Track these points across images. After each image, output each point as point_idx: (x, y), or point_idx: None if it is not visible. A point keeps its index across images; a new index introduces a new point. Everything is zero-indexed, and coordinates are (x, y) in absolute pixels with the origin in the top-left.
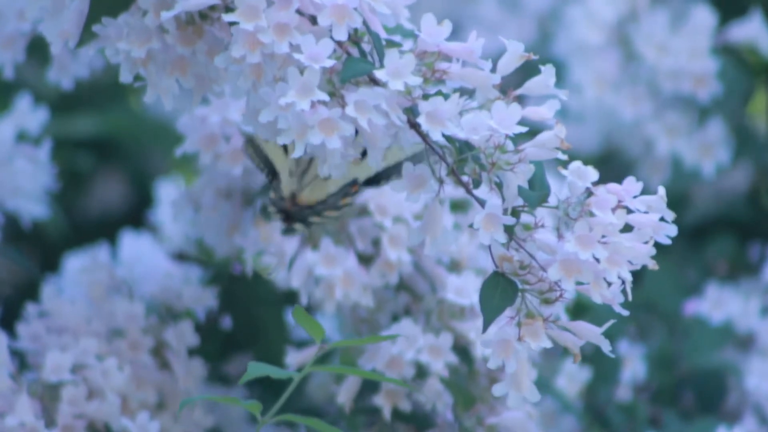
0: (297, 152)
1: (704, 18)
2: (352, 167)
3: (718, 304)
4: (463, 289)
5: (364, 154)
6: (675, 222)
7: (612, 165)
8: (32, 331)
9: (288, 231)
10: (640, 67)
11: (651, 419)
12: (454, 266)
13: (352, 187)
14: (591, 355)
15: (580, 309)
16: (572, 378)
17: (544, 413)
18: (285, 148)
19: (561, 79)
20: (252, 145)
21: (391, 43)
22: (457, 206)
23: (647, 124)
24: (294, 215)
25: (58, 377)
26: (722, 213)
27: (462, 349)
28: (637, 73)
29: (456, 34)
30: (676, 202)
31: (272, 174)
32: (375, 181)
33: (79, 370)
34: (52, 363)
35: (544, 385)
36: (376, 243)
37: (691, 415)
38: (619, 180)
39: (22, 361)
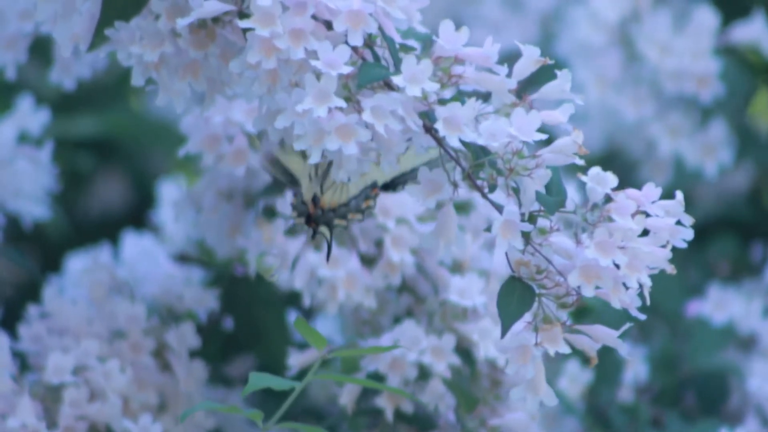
0: (313, 158)
1: (706, 18)
2: (371, 171)
3: (720, 305)
4: (466, 291)
5: None
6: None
7: (614, 165)
8: (33, 333)
9: (313, 235)
10: (643, 68)
11: (653, 420)
12: (457, 267)
13: (373, 190)
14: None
15: (583, 310)
16: (574, 379)
17: (546, 414)
18: (303, 154)
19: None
20: (270, 161)
21: (405, 47)
22: (460, 208)
23: (650, 125)
24: (317, 219)
25: (59, 379)
26: (724, 213)
27: (464, 351)
28: (639, 73)
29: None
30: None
31: (294, 183)
32: (392, 186)
33: (80, 372)
34: (54, 364)
35: None
36: (379, 244)
37: (693, 416)
38: (622, 180)
39: (23, 363)
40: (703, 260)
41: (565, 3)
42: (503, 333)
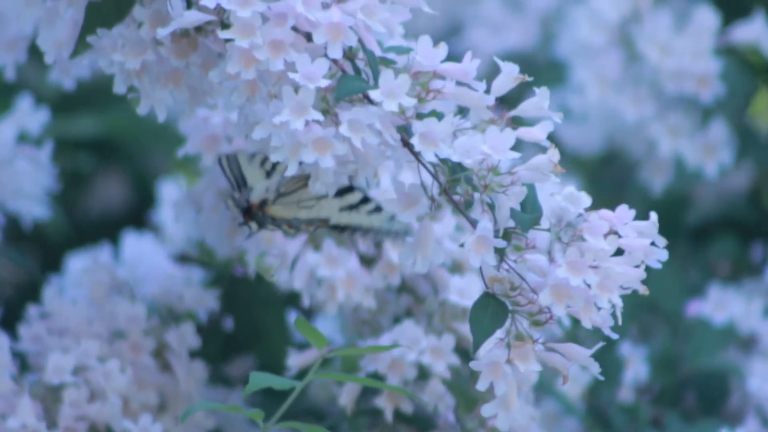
0: (290, 171)
1: (707, 18)
2: (328, 207)
3: (721, 305)
4: (465, 291)
5: (349, 208)
6: (677, 223)
7: (615, 166)
8: (34, 333)
9: (242, 224)
10: (643, 68)
11: (653, 420)
12: (456, 268)
13: (321, 222)
14: (593, 356)
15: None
16: (574, 379)
17: (546, 415)
18: (266, 174)
19: (564, 80)
20: (228, 159)
21: (385, 61)
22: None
23: (650, 125)
24: (254, 215)
25: (59, 379)
26: (724, 213)
27: (464, 351)
28: (639, 73)
29: (458, 34)
30: (678, 202)
31: (239, 188)
32: (342, 229)
33: (80, 372)
34: (54, 365)
35: (546, 387)
36: (378, 244)
37: (693, 416)
38: (622, 180)
39: (23, 363)
40: (703, 260)
41: (565, 3)
42: (474, 349)
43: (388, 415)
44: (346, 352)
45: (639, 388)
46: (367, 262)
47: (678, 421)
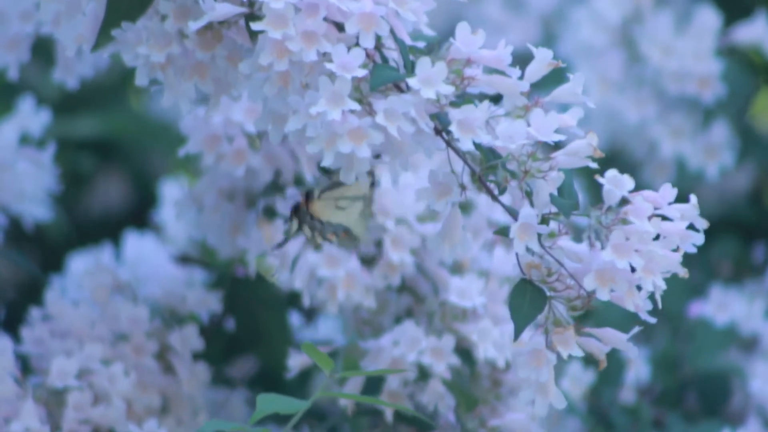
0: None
1: (708, 19)
2: (355, 223)
3: (723, 306)
4: (466, 291)
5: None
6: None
7: (616, 167)
8: (36, 335)
9: (286, 221)
10: (645, 69)
11: (654, 421)
12: (457, 268)
13: (344, 232)
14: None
15: (586, 312)
16: (576, 380)
17: (547, 415)
18: None
19: (565, 81)
20: None
21: (414, 49)
22: (461, 208)
23: (651, 126)
24: (299, 213)
25: (63, 383)
26: (726, 214)
27: (464, 351)
28: (641, 74)
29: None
30: (680, 203)
31: None
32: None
33: (84, 376)
34: (58, 369)
35: None
36: (379, 244)
37: (694, 417)
38: None
39: (25, 365)
40: (705, 261)
41: (566, 4)
42: (516, 335)
43: (389, 416)
44: (351, 374)
45: (640, 389)
46: (368, 262)
47: (679, 422)
